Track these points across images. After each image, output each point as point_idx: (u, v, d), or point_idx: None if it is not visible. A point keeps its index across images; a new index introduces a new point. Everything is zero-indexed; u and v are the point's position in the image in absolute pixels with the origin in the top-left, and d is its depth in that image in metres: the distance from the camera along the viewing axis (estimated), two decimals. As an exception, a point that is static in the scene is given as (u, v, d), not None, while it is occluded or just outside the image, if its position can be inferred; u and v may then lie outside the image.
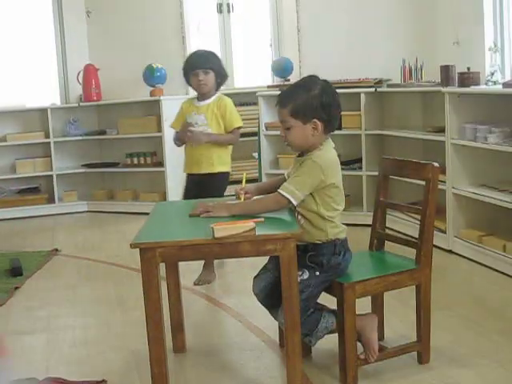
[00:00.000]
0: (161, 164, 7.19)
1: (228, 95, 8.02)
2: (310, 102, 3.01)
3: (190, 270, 4.52)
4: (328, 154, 3.04)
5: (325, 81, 3.11)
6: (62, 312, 4.24)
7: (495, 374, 3.06)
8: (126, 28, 7.57)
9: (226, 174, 4.69)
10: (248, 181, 3.33)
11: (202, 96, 4.65)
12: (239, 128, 4.66)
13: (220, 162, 4.62)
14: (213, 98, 4.65)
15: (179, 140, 4.68)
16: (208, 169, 4.59)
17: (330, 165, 3.01)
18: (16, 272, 4.98)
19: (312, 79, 3.11)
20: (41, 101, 7.60)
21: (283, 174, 3.29)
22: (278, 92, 3.35)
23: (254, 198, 3.18)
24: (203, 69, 4.55)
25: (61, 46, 7.66)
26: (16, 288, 4.72)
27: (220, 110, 4.60)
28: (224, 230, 2.70)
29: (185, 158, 4.74)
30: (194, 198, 4.30)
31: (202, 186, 4.55)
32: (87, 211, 7.45)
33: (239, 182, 3.33)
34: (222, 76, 4.66)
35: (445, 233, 5.05)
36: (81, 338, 3.81)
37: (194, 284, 4.53)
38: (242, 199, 3.17)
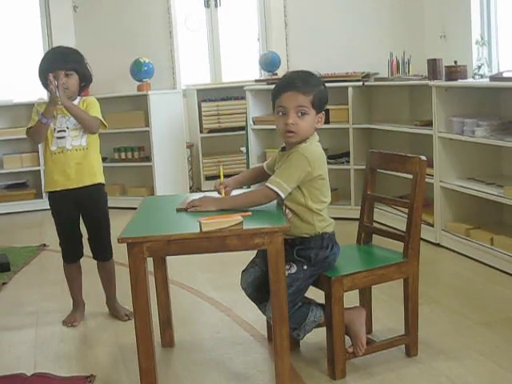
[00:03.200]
0: (148, 159, 7.18)
1: (216, 89, 8.02)
2: (324, 94, 3.07)
3: (178, 264, 4.52)
4: (314, 146, 3.04)
5: None
6: (49, 307, 4.23)
7: (482, 367, 3.07)
8: (113, 23, 7.55)
9: (104, 186, 3.97)
10: (230, 175, 3.33)
11: None
12: (101, 123, 3.85)
13: (100, 171, 3.92)
14: (77, 100, 3.85)
15: (41, 129, 3.76)
16: (91, 179, 3.84)
17: (317, 157, 3.01)
18: (3, 267, 4.96)
19: (314, 73, 3.14)
20: (28, 96, 7.55)
21: (262, 165, 3.35)
22: (270, 82, 3.34)
23: (242, 191, 3.18)
24: (65, 70, 3.75)
25: (48, 40, 7.63)
26: (3, 283, 4.70)
27: (85, 108, 3.81)
28: (211, 224, 2.70)
29: (50, 169, 3.84)
30: (76, 220, 3.89)
31: (86, 203, 3.86)
32: (75, 206, 7.41)
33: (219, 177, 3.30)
34: (86, 79, 3.90)
35: (432, 226, 5.06)
36: (69, 333, 3.80)
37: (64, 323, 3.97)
38: (223, 193, 3.18)
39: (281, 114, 3.04)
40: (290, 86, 3.02)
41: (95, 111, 3.84)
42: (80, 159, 3.80)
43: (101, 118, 3.85)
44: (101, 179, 3.90)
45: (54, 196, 3.88)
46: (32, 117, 3.87)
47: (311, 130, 3.05)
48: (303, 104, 3.00)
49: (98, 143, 3.95)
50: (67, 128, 3.78)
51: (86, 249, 3.99)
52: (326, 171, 3.07)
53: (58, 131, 3.79)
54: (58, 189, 3.83)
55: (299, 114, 3.00)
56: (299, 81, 3.02)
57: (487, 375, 3.00)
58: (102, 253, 3.96)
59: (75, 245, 3.94)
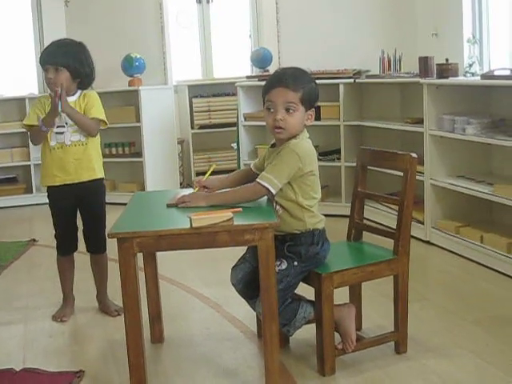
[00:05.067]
0: (139, 154, 7.17)
1: (207, 86, 7.99)
2: (314, 91, 3.06)
3: (168, 260, 4.51)
4: (304, 142, 3.04)
5: None
6: (39, 303, 4.22)
7: (471, 364, 3.08)
8: (104, 17, 7.53)
9: (103, 180, 3.97)
10: (221, 172, 3.30)
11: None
12: (101, 122, 3.82)
13: (100, 165, 3.91)
14: (77, 94, 3.80)
15: (44, 129, 3.72)
16: (90, 175, 3.83)
17: (307, 153, 3.01)
18: (-7, 262, 4.96)
19: (305, 70, 3.13)
20: (18, 90, 7.53)
21: (249, 167, 3.35)
22: (262, 79, 3.33)
23: (234, 188, 3.17)
24: (53, 65, 3.68)
25: (39, 35, 7.60)
26: (-8, 278, 4.70)
27: (85, 105, 3.78)
28: (202, 219, 2.70)
29: (49, 164, 3.81)
30: (74, 213, 3.92)
31: (85, 197, 3.85)
32: (65, 201, 7.39)
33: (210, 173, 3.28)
34: (82, 75, 3.77)
35: (422, 223, 5.07)
36: (58, 328, 3.80)
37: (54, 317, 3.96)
38: (195, 190, 3.17)
39: (270, 109, 3.04)
40: (279, 82, 3.02)
41: (97, 109, 3.81)
42: (79, 155, 3.79)
43: (102, 116, 3.81)
44: (100, 174, 3.89)
45: (52, 190, 3.88)
46: (30, 114, 3.85)
47: (300, 126, 3.05)
48: (292, 100, 3.00)
49: (98, 138, 3.92)
50: (66, 124, 3.74)
51: (80, 244, 3.99)
52: (317, 167, 3.07)
53: (58, 126, 3.75)
54: (57, 184, 3.82)
55: (288, 110, 3.00)
56: (289, 77, 3.02)
57: (476, 372, 3.01)
58: (96, 245, 3.96)
59: (71, 237, 3.95)
